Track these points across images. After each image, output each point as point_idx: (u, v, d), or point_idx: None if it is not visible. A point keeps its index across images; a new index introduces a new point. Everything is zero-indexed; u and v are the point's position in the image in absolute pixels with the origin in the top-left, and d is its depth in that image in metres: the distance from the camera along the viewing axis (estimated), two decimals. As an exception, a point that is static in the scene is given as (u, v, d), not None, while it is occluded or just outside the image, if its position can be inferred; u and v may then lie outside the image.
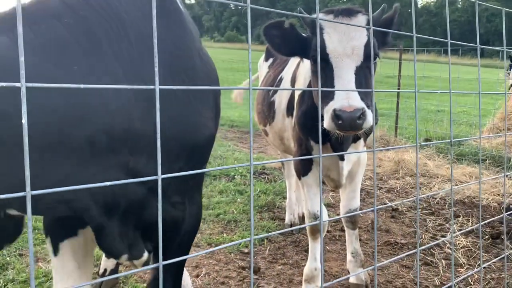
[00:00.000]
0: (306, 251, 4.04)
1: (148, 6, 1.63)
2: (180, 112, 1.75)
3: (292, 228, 1.51)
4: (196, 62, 1.88)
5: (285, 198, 5.42)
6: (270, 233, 1.39)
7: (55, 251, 1.93)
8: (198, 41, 2.05)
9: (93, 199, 1.57)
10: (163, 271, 1.99)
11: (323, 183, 3.68)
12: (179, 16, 1.84)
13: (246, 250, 3.95)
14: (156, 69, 1.08)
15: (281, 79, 3.70)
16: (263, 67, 4.38)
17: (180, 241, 2.02)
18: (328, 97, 2.37)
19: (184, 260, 2.08)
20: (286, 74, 3.61)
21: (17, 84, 0.96)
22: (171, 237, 2.01)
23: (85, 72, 1.42)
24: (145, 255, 1.92)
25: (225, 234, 4.28)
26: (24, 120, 0.94)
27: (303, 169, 3.18)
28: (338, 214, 4.88)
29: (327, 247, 4.06)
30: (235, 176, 6.36)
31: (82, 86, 1.03)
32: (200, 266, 3.63)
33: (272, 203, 5.21)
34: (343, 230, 4.54)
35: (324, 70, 2.47)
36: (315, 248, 3.24)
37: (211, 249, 1.67)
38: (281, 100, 3.58)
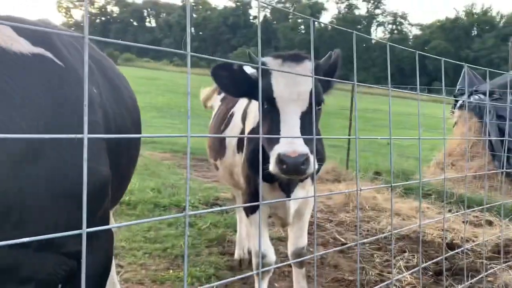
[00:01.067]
0: (254, 288, 3.98)
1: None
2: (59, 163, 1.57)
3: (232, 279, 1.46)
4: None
5: (236, 231, 5.36)
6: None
7: None
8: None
9: None
10: None
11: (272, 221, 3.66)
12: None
13: (192, 288, 3.83)
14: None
15: (232, 115, 3.69)
16: (217, 100, 4.37)
17: None
18: (273, 141, 2.39)
19: None
20: (237, 110, 3.62)
21: None
22: None
23: None
24: None
25: (171, 271, 4.14)
26: None
27: (251, 207, 3.15)
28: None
29: (276, 284, 4.01)
30: (186, 208, 6.23)
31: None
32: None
33: (223, 236, 5.13)
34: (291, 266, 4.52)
35: (271, 113, 2.50)
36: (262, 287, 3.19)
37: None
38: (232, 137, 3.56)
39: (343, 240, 5.36)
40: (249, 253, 4.61)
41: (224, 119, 3.76)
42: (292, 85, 2.41)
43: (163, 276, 3.98)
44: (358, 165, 1.89)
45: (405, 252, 4.98)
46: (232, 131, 3.58)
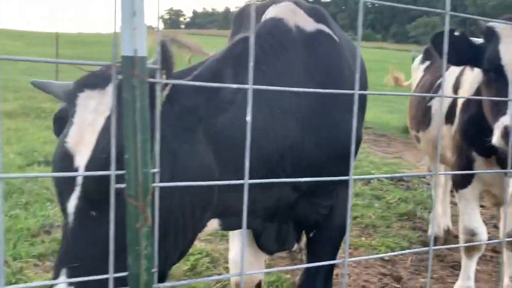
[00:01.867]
0: (453, 267, 3.81)
1: None
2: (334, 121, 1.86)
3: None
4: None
5: (426, 208, 5.16)
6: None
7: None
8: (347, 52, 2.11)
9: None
10: (314, 272, 2.07)
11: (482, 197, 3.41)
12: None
13: (386, 258, 3.85)
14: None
15: (440, 85, 3.51)
16: (418, 70, 4.20)
17: (330, 239, 2.08)
18: (499, 111, 2.23)
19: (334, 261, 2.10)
20: (448, 78, 3.42)
21: (246, 86, 1.10)
22: (321, 236, 2.08)
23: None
24: (295, 246, 2.14)
25: (363, 238, 4.23)
26: (249, 118, 1.07)
27: (462, 181, 2.99)
28: (490, 232, 4.49)
29: (478, 267, 3.75)
30: (371, 181, 6.23)
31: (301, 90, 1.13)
32: (339, 266, 3.65)
33: (413, 212, 4.99)
34: (495, 251, 4.17)
35: (497, 83, 2.33)
36: (469, 266, 3.03)
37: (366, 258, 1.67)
38: (439, 106, 3.41)
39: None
40: (445, 231, 4.41)
41: (430, 89, 3.60)
42: None
43: (356, 242, 4.09)
44: None
45: None
46: (440, 101, 3.41)
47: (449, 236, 4.42)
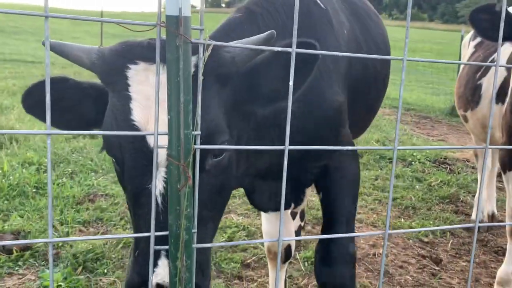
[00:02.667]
0: (496, 252, 3.68)
1: None
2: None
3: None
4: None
5: (470, 192, 4.98)
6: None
7: None
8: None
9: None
10: (333, 223, 2.05)
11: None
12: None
13: (426, 240, 3.77)
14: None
15: (492, 61, 3.33)
16: (468, 47, 4.01)
17: (338, 193, 2.05)
18: None
19: (354, 207, 2.08)
20: (500, 56, 3.24)
21: (289, 49, 1.09)
22: (328, 192, 2.07)
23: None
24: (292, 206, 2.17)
25: (402, 219, 4.15)
26: (291, 83, 1.06)
27: (511, 162, 2.85)
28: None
29: None
30: (413, 162, 6.07)
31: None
32: (377, 246, 3.60)
33: (456, 195, 4.83)
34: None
35: None
36: (515, 251, 2.91)
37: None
38: (490, 84, 3.24)
39: None
40: (489, 216, 4.25)
41: (481, 66, 3.43)
42: None
43: (395, 223, 4.02)
44: None
45: None
46: (491, 79, 3.25)
47: (494, 222, 4.26)
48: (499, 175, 5.24)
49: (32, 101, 1.37)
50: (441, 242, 3.79)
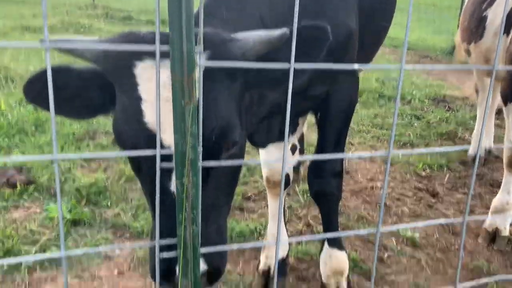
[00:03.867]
0: (491, 185, 3.77)
1: None
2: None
3: None
4: None
5: (468, 129, 5.01)
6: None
7: None
8: None
9: None
10: (324, 144, 2.12)
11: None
12: None
13: (423, 174, 3.84)
14: None
15: (499, -9, 3.22)
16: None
17: (341, 112, 2.14)
18: None
19: (346, 130, 2.21)
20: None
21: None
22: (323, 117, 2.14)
23: None
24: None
25: (400, 155, 4.19)
26: None
27: (513, 93, 2.84)
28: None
29: None
30: (412, 100, 6.05)
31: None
32: (375, 180, 3.67)
33: (454, 132, 4.86)
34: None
35: None
36: (510, 182, 2.97)
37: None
38: (495, 15, 3.16)
39: None
40: (486, 151, 4.31)
41: (484, 1, 3.32)
42: None
43: (393, 159, 4.07)
44: None
45: None
46: (497, 10, 3.16)
47: (490, 157, 4.32)
48: (497, 112, 5.25)
49: (35, 92, 1.28)
50: (437, 176, 3.86)
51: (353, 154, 3.17)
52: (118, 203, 3.01)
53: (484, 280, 1.80)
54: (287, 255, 2.51)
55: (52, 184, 3.12)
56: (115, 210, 2.92)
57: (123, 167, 3.45)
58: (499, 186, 3.17)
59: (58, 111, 0.95)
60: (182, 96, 1.08)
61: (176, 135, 1.12)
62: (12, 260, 0.90)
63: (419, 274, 2.59)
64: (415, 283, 2.49)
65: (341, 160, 2.26)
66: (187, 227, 1.22)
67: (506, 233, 2.96)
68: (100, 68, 1.26)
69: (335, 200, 2.26)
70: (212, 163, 1.22)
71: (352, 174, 3.77)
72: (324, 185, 2.18)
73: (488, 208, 3.13)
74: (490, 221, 3.00)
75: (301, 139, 3.36)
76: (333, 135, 2.14)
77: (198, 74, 1.08)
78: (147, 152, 1.11)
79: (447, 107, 5.95)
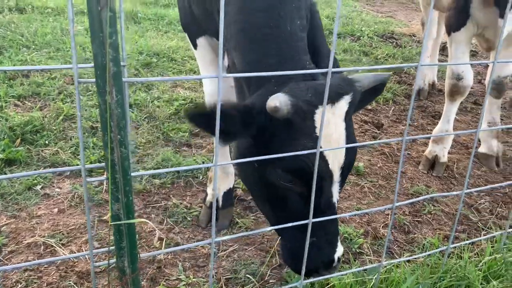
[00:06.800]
0: (433, 116, 3.89)
1: None
2: None
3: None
4: None
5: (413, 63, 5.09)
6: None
7: (194, 46, 2.23)
8: None
9: None
10: None
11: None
12: None
13: (369, 107, 3.89)
14: None
15: None
16: None
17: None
18: None
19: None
20: None
21: None
22: None
23: None
24: None
25: (348, 89, 4.21)
26: None
27: (456, 22, 2.86)
28: (473, 87, 4.52)
29: (457, 117, 3.84)
30: (361, 37, 6.05)
31: None
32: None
33: (400, 68, 4.93)
34: (476, 103, 4.24)
35: None
36: (450, 111, 3.07)
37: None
38: None
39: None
40: (430, 85, 4.41)
41: None
42: None
43: (341, 93, 4.09)
44: None
45: None
46: None
47: (434, 90, 4.44)
48: (441, 49, 5.36)
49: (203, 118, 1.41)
50: (383, 109, 3.93)
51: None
52: (57, 142, 2.86)
53: (419, 198, 1.87)
54: (233, 187, 2.50)
55: (-17, 124, 2.90)
56: (53, 148, 2.78)
57: (61, 105, 3.25)
58: (440, 118, 3.28)
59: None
60: (97, 0, 0.96)
61: (93, 45, 1.02)
62: None
63: (362, 199, 2.68)
64: (358, 208, 2.57)
65: None
66: (114, 149, 1.15)
67: (444, 159, 3.09)
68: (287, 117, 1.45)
69: None
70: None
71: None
72: None
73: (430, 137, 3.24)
74: (430, 148, 3.12)
75: None
76: (322, 48, 2.15)
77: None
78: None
79: (395, 43, 6.00)
